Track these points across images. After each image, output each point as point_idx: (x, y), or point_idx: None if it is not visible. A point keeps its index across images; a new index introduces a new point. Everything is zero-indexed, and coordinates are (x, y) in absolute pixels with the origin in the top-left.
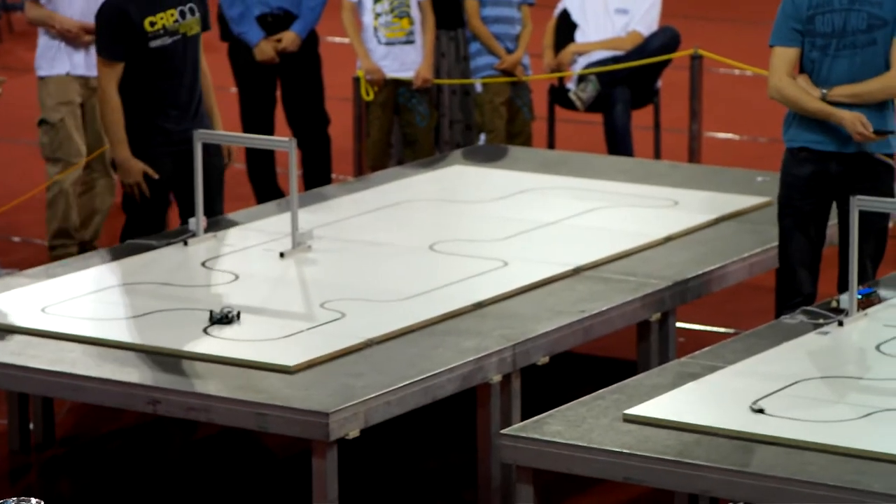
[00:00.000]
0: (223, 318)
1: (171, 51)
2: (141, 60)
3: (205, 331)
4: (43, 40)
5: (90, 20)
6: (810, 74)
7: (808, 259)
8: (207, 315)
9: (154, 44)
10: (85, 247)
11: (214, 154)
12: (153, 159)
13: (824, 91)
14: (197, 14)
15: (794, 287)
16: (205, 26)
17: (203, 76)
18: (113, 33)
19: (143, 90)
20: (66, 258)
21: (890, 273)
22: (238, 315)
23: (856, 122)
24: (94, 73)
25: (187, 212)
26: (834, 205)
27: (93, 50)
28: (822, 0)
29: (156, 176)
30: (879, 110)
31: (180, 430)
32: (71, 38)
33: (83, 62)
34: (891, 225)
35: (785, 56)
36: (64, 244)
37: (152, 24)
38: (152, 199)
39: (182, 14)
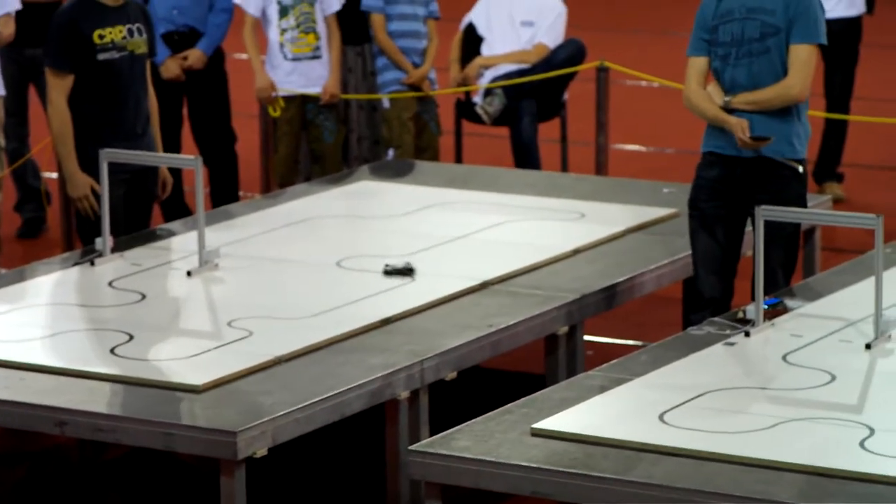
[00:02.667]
0: (403, 271)
1: (119, 66)
2: (88, 73)
3: (112, 351)
4: None
5: None
6: (718, 83)
7: (714, 263)
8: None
9: (102, 56)
10: None
11: (151, 181)
12: (100, 176)
13: (727, 99)
14: (144, 36)
15: (697, 289)
16: (151, 52)
17: (149, 101)
18: (63, 44)
19: (90, 105)
20: None
21: (796, 283)
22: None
23: (736, 127)
24: None
25: (129, 231)
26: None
27: None
28: (725, 10)
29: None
30: (782, 117)
31: (89, 452)
32: None
33: None
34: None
35: (695, 65)
36: None
37: (101, 36)
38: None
39: (130, 32)
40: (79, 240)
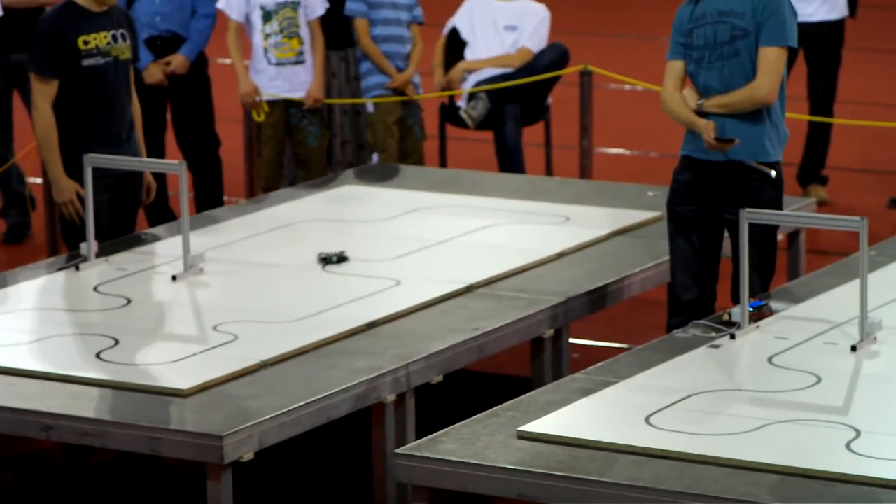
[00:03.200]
0: (336, 259)
1: (104, 71)
2: (73, 79)
3: (98, 356)
4: None
5: None
6: (694, 86)
7: (690, 265)
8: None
9: (87, 62)
10: None
11: (136, 186)
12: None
13: (700, 102)
14: (128, 41)
15: (674, 291)
16: (135, 57)
17: (133, 106)
18: (48, 50)
19: (75, 110)
20: None
21: (781, 285)
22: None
23: (703, 129)
24: None
25: (114, 236)
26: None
27: None
28: (699, 14)
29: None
30: (752, 120)
31: (75, 456)
32: None
33: None
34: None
35: (672, 69)
36: None
37: (86, 42)
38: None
39: (114, 38)
40: (64, 245)
